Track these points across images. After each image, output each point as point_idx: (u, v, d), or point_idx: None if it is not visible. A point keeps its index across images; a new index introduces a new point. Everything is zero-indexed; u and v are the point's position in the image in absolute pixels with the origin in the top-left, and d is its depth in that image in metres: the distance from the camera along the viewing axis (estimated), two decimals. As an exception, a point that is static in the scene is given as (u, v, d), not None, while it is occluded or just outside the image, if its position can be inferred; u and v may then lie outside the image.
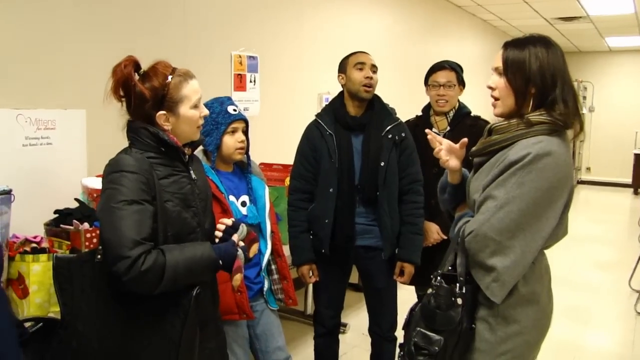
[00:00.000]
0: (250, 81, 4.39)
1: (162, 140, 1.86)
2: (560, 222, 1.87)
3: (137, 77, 1.87)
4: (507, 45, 1.92)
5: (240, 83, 4.29)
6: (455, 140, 3.19)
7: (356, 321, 4.50)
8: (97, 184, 2.58)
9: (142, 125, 1.87)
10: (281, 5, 4.72)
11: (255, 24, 4.43)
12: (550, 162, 1.77)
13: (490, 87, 1.95)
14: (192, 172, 1.98)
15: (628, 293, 5.61)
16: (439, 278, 1.89)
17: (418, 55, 7.02)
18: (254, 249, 1.99)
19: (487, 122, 2.36)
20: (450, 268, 1.92)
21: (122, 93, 1.87)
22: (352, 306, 4.70)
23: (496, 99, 1.94)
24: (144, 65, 1.90)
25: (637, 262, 5.71)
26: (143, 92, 1.84)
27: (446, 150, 2.10)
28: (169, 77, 1.87)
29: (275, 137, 4.60)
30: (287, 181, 3.11)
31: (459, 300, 1.84)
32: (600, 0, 7.72)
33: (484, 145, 1.96)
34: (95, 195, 2.62)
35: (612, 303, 5.44)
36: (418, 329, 1.88)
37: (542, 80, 1.84)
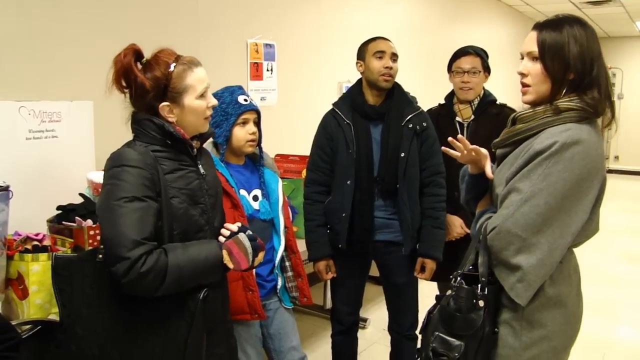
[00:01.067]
0: (267, 70, 4.28)
1: (168, 132, 1.77)
2: (590, 218, 1.74)
3: (139, 66, 1.77)
4: (541, 27, 1.75)
5: (256, 72, 4.18)
6: (479, 129, 3.04)
7: (377, 316, 4.39)
8: (102, 178, 2.48)
9: (146, 116, 1.77)
10: (299, -10, 4.60)
11: (272, 10, 4.31)
12: (580, 152, 1.63)
13: (521, 74, 1.79)
14: (200, 166, 1.89)
15: (660, 286, 5.41)
16: (459, 278, 1.77)
17: (441, 41, 6.83)
18: (259, 258, 1.88)
19: (513, 111, 2.21)
20: (471, 267, 1.80)
21: (124, 84, 1.78)
22: (373, 300, 4.60)
23: (526, 85, 1.79)
24: None
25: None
26: (144, 83, 1.74)
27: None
28: (172, 66, 1.77)
29: (293, 127, 4.49)
30: (304, 173, 3.01)
31: (481, 303, 1.72)
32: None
33: (508, 136, 1.82)
34: (100, 190, 2.52)
35: (644, 297, 5.25)
36: (436, 333, 1.77)
37: (582, 66, 1.69)
